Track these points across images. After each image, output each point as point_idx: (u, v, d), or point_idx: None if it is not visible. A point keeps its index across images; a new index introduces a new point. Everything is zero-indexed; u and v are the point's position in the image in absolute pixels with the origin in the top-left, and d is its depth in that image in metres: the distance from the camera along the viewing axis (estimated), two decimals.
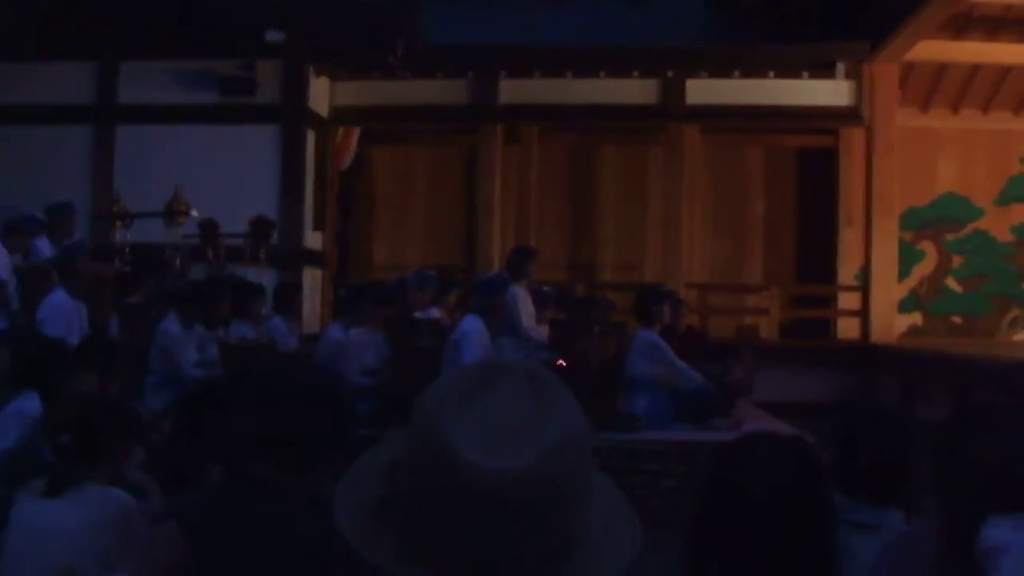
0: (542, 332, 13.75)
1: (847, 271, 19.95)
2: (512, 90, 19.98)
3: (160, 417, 9.08)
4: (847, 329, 19.94)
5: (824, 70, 19.79)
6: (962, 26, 18.73)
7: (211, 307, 12.43)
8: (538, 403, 1.80)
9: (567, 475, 1.78)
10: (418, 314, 14.02)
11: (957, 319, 20.41)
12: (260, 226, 16.11)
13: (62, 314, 11.11)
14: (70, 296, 11.39)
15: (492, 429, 1.77)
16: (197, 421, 5.29)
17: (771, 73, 19.68)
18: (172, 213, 15.41)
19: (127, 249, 15.51)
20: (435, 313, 14.46)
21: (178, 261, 14.71)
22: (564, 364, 12.10)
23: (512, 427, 1.77)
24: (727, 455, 3.11)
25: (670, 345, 13.34)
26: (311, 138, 18.65)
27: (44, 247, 13.19)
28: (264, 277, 15.63)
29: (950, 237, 20.37)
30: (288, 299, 14.74)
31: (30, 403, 6.99)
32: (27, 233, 13.18)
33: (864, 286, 19.68)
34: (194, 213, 15.41)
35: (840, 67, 19.79)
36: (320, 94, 19.31)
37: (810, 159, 20.94)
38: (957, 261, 20.41)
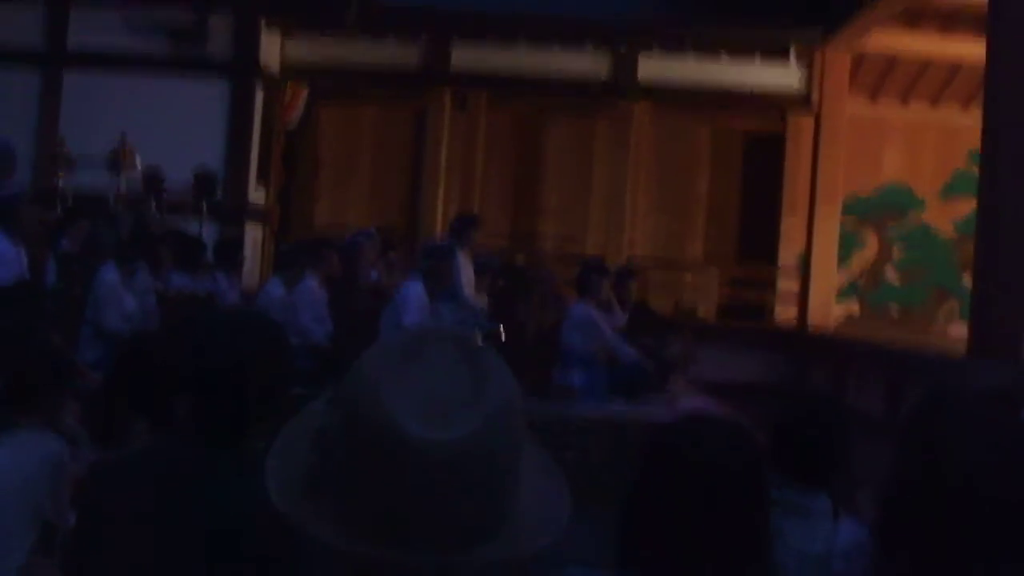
0: (480, 300, 13.74)
1: (788, 256, 20.03)
2: (463, 56, 19.88)
3: (93, 368, 9.02)
4: (784, 313, 20.03)
5: (777, 55, 19.78)
6: (916, 18, 18.73)
7: (155, 254, 12.37)
8: (473, 373, 1.80)
9: (504, 445, 1.78)
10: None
11: (894, 310, 20.53)
12: (204, 180, 16.03)
13: (4, 260, 10.98)
14: (11, 242, 11.25)
15: (429, 398, 1.76)
16: (129, 373, 5.24)
17: (723, 54, 19.67)
18: (117, 161, 15.32)
19: (70, 197, 15.41)
20: (374, 275, 14.43)
21: (121, 212, 14.63)
22: (503, 333, 12.10)
23: (449, 397, 1.77)
24: (668, 432, 3.12)
25: (621, 317, 13.38)
26: (259, 93, 18.53)
27: None
28: (206, 231, 15.58)
29: (892, 226, 20.47)
30: (231, 254, 14.67)
31: None
32: None
33: (803, 272, 19.77)
34: (138, 162, 15.32)
35: (793, 53, 19.80)
36: (271, 48, 19.17)
37: (757, 143, 20.97)
38: (898, 252, 20.52)
